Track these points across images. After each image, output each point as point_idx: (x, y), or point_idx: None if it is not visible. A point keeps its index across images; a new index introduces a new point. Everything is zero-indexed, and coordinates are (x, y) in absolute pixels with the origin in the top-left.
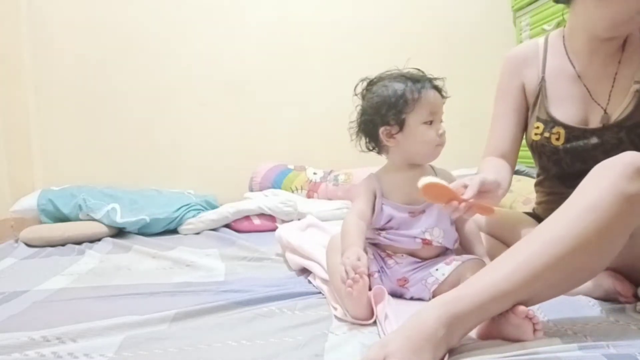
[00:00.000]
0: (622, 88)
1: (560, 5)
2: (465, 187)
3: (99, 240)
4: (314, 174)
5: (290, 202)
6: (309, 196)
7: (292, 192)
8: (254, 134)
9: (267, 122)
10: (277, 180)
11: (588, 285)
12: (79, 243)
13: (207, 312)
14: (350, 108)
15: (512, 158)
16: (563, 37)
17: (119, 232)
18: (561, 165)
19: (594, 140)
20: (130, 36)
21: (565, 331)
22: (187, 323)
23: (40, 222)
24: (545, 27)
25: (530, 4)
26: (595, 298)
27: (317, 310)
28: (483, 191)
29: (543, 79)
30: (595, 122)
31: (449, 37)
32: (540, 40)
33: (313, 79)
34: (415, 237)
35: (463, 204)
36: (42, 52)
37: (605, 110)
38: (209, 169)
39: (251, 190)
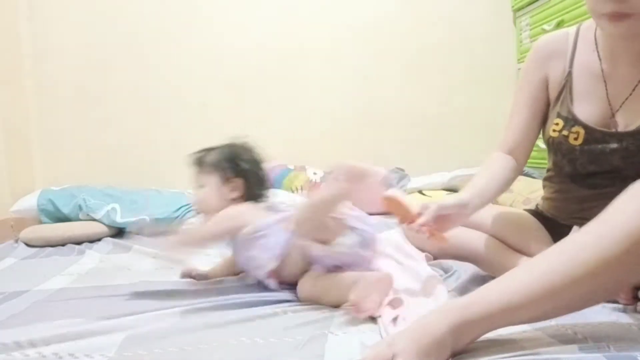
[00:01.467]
0: None
1: (561, 5)
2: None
3: (99, 240)
4: (314, 174)
5: (290, 202)
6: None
7: (292, 192)
8: (254, 134)
9: (267, 122)
10: (277, 180)
11: None
12: (79, 243)
13: (208, 312)
14: (351, 108)
15: (521, 154)
16: (595, 29)
17: (119, 232)
18: (575, 165)
19: (614, 145)
20: (130, 36)
21: (566, 331)
22: (187, 323)
23: (40, 222)
24: (545, 27)
25: (530, 4)
26: None
27: (317, 311)
28: (443, 215)
29: (570, 74)
30: (617, 127)
31: (449, 37)
32: (572, 30)
33: (313, 79)
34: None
35: (415, 225)
36: (42, 52)
37: (613, 115)
38: None
39: None
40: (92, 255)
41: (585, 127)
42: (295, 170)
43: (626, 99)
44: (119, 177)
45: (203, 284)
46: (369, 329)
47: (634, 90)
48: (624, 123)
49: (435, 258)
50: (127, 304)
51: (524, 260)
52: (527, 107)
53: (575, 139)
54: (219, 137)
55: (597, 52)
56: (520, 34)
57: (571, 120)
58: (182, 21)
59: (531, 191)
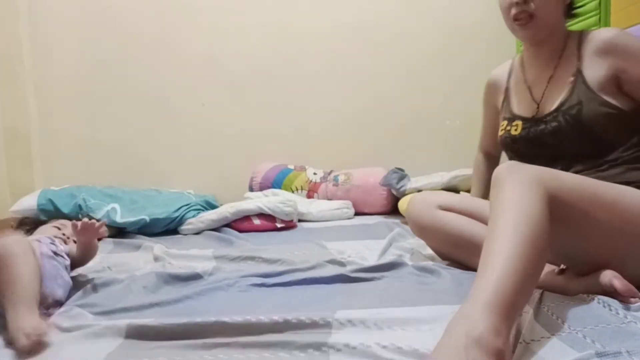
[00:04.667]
0: (559, 84)
1: None
2: None
3: (99, 240)
4: (314, 174)
5: (290, 202)
6: (309, 196)
7: (292, 192)
8: (254, 134)
9: (267, 122)
10: (277, 180)
11: (588, 282)
12: None
13: (200, 322)
14: (351, 108)
15: (495, 149)
16: (523, 51)
17: (119, 232)
18: (522, 153)
19: (542, 126)
20: (130, 37)
21: (564, 328)
22: (179, 336)
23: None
24: None
25: None
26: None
27: (315, 324)
28: None
29: (507, 89)
30: (542, 113)
31: (448, 38)
32: (510, 60)
33: (313, 80)
34: None
35: None
36: (42, 52)
37: (538, 106)
38: (209, 169)
39: (251, 190)
40: None
41: (521, 118)
42: (295, 170)
43: (543, 92)
44: (119, 177)
45: (195, 291)
46: (373, 342)
47: (547, 84)
48: (546, 108)
49: (444, 258)
50: (121, 307)
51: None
52: (489, 126)
53: (516, 130)
54: (218, 137)
55: (522, 64)
56: None
57: (511, 118)
58: (182, 22)
59: None
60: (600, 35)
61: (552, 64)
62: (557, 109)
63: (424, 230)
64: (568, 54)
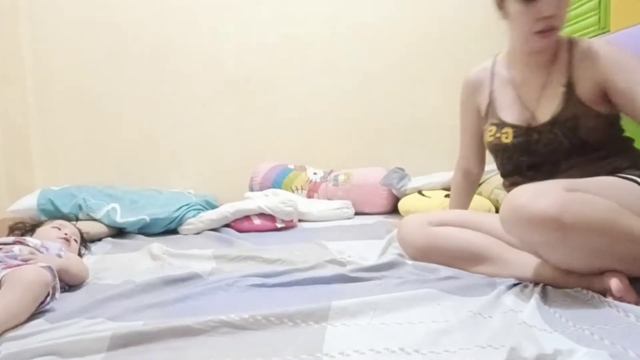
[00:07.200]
0: (551, 93)
1: None
2: None
3: (99, 240)
4: (314, 174)
5: (291, 202)
6: (309, 196)
7: (293, 192)
8: (254, 134)
9: (267, 122)
10: (278, 180)
11: (590, 278)
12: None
13: (190, 325)
14: (351, 108)
15: (477, 165)
16: (508, 52)
17: (119, 232)
18: (513, 160)
19: (535, 136)
20: (130, 36)
21: (569, 326)
22: (172, 338)
23: None
24: None
25: None
26: (594, 291)
27: (308, 322)
28: None
29: (492, 92)
30: (535, 122)
31: (448, 37)
32: (490, 61)
33: (313, 79)
34: None
35: None
36: (42, 52)
37: (533, 114)
38: (209, 169)
39: (251, 190)
40: (88, 256)
41: (512, 126)
42: (295, 170)
43: (538, 99)
44: (119, 177)
45: (195, 291)
46: (367, 348)
47: (541, 92)
48: (539, 118)
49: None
50: (121, 308)
51: (524, 256)
52: (468, 131)
53: (507, 138)
54: (218, 137)
55: (508, 65)
56: None
57: (500, 125)
58: (182, 22)
59: None
60: (587, 45)
61: (544, 70)
62: (552, 122)
63: (420, 251)
64: (560, 60)
